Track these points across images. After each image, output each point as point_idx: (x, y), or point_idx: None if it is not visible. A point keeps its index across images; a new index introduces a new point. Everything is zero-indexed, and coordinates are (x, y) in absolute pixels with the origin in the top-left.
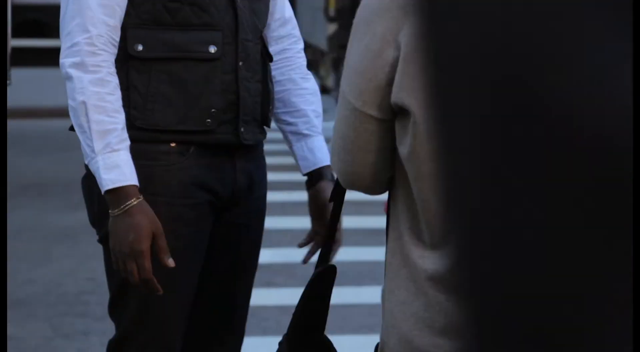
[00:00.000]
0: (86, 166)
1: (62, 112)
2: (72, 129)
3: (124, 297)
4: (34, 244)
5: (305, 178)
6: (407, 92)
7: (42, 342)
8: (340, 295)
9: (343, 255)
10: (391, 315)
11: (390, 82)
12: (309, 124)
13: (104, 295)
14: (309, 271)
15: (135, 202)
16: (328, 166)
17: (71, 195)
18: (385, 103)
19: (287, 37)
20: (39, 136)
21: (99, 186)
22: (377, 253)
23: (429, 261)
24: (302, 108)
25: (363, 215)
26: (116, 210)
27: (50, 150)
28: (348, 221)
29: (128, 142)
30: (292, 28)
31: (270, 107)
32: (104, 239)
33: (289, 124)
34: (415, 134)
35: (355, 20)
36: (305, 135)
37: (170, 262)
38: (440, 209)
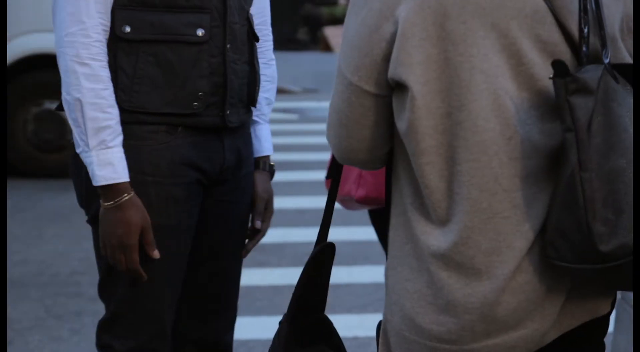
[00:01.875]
0: (73, 145)
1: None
2: (58, 109)
3: (114, 277)
4: (27, 225)
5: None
6: (405, 67)
7: (35, 323)
8: (332, 275)
9: (335, 235)
10: (394, 292)
11: (386, 58)
12: (260, 111)
13: (97, 275)
14: (302, 251)
15: (127, 197)
16: (267, 157)
17: (63, 175)
18: (381, 78)
19: (256, 16)
20: None
21: (91, 178)
22: (369, 233)
23: (432, 237)
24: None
25: None
26: (107, 203)
27: None
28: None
29: (121, 137)
30: (263, 8)
31: (256, 87)
32: (92, 220)
33: None
34: (413, 109)
35: None
36: (254, 122)
37: (156, 254)
38: (441, 186)
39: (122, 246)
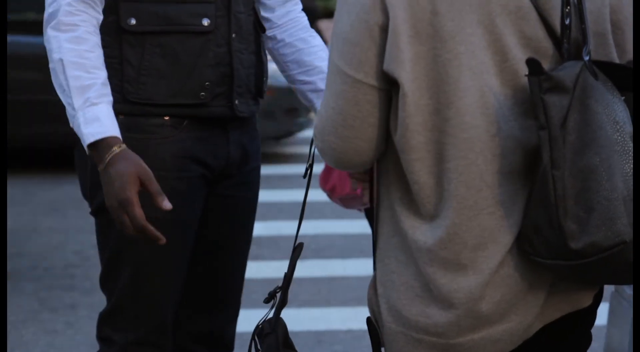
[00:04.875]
0: (76, 136)
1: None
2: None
3: (116, 269)
4: (22, 218)
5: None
6: (396, 63)
7: (30, 316)
8: (327, 268)
9: (329, 228)
10: (381, 284)
11: (385, 50)
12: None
13: (91, 268)
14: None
15: (117, 150)
16: None
17: (59, 168)
18: (383, 71)
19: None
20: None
21: (82, 143)
22: (363, 226)
23: (419, 232)
24: (317, 65)
25: None
26: (101, 164)
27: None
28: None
29: (110, 98)
30: None
31: (264, 78)
32: (96, 211)
33: (307, 83)
34: (404, 107)
35: None
36: (321, 89)
37: (166, 204)
38: (430, 182)
39: (121, 202)
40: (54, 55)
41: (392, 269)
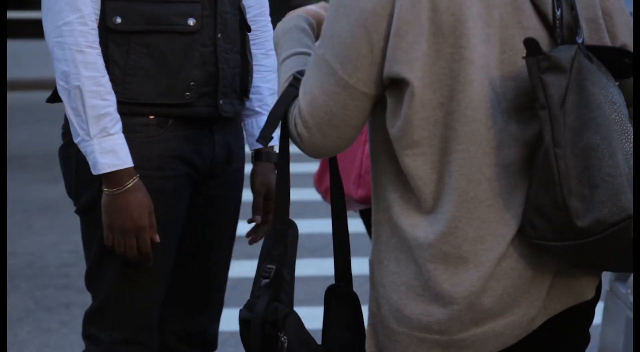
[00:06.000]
0: (63, 136)
1: (43, 84)
2: (49, 100)
3: (102, 268)
4: (15, 217)
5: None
6: (402, 64)
7: (24, 315)
8: (322, 267)
9: (324, 227)
10: (381, 285)
11: (385, 57)
12: (262, 102)
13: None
14: None
15: (136, 180)
16: (271, 147)
17: (52, 167)
18: (378, 78)
19: (253, 8)
20: (20, 109)
21: (93, 168)
22: (357, 225)
23: (419, 228)
24: (258, 85)
25: None
26: (114, 189)
27: (31, 123)
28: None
29: (120, 123)
30: None
31: (249, 78)
32: (82, 210)
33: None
34: (410, 105)
35: None
36: (257, 113)
37: (157, 238)
38: (433, 177)
39: (137, 228)
40: (71, 80)
41: (392, 270)
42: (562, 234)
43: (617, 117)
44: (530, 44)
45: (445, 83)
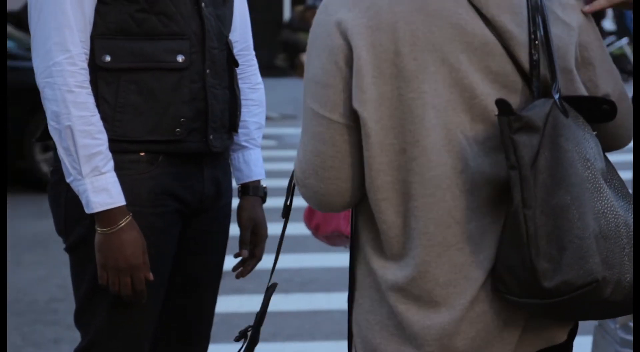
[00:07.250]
0: (52, 173)
1: None
2: (39, 139)
3: (93, 304)
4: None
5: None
6: (360, 103)
7: (12, 351)
8: (311, 302)
9: (313, 262)
10: (356, 324)
11: None
12: (249, 136)
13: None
14: (278, 277)
15: (129, 219)
16: (258, 181)
17: (42, 202)
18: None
19: (239, 43)
20: None
21: (85, 207)
22: (347, 260)
23: (389, 271)
24: (245, 119)
25: None
26: (107, 228)
27: None
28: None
29: (112, 162)
30: (245, 33)
31: (237, 112)
32: (71, 248)
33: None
34: (367, 146)
35: (311, 37)
36: (243, 147)
37: (150, 276)
38: (398, 221)
39: (132, 266)
40: (62, 120)
41: (366, 308)
42: (530, 292)
43: (590, 175)
44: (502, 105)
45: (408, 128)
